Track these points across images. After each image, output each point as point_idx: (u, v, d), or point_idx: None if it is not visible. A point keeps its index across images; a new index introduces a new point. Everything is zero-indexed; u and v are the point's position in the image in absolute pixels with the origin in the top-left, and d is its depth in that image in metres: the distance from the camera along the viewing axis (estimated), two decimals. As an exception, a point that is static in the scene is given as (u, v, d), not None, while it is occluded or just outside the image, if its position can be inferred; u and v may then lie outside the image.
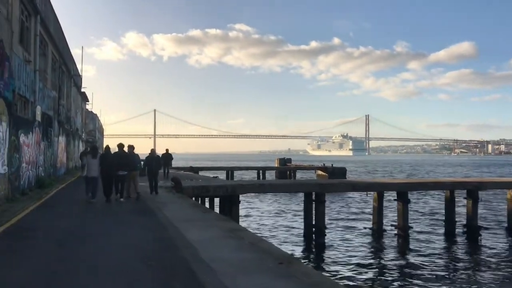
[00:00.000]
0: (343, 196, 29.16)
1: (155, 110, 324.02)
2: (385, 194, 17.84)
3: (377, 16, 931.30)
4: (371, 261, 13.29)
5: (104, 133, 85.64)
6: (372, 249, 14.95)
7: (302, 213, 21.34)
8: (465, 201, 17.80)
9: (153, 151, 14.49)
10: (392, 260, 13.37)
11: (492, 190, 23.43)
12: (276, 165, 54.64)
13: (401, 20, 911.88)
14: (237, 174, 50.61)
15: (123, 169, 12.58)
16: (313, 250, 15.05)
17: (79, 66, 36.84)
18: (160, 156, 18.25)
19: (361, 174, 66.50)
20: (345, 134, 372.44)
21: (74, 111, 34.43)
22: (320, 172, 46.54)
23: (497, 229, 18.45)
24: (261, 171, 48.85)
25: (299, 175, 52.00)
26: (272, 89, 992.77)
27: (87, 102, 50.56)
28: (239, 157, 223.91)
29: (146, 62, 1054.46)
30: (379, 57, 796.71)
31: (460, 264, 12.99)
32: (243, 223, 16.87)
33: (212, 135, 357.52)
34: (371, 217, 20.03)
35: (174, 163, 26.81)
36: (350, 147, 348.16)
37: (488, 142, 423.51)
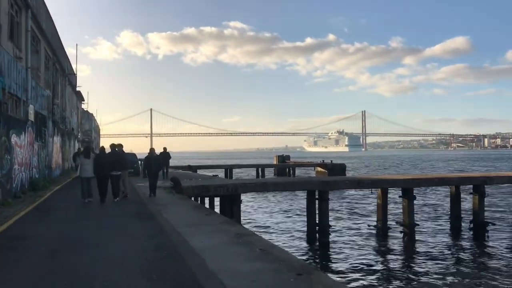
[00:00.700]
0: (343, 193, 28.66)
1: (151, 109, 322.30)
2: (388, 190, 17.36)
3: (372, 12, 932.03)
4: (377, 260, 12.90)
5: (101, 133, 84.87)
6: (378, 248, 14.53)
7: (302, 211, 21.01)
8: (468, 196, 17.40)
9: (152, 150, 13.91)
10: (398, 260, 12.97)
11: (497, 184, 22.94)
12: (275, 162, 54.17)
13: (396, 15, 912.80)
14: (235, 172, 50.08)
15: (117, 170, 12.60)
16: (317, 249, 14.58)
17: (73, 65, 36.13)
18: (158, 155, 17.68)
19: (360, 169, 66.08)
20: (341, 131, 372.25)
21: (69, 110, 33.72)
22: (319, 168, 46.13)
23: (505, 225, 18.02)
24: (260, 169, 48.34)
25: (298, 171, 51.60)
26: (268, 87, 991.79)
27: (82, 102, 49.78)
28: (237, 155, 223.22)
29: (141, 61, 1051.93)
30: (374, 53, 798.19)
31: (468, 263, 12.55)
32: (243, 222, 16.36)
33: (209, 133, 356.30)
34: (373, 214, 19.65)
35: (172, 162, 26.21)
36: (346, 143, 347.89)
37: (484, 136, 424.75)
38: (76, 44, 40.17)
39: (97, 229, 8.26)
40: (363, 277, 11.04)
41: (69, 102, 33.69)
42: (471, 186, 17.61)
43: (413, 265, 12.25)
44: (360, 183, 17.35)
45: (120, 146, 13.51)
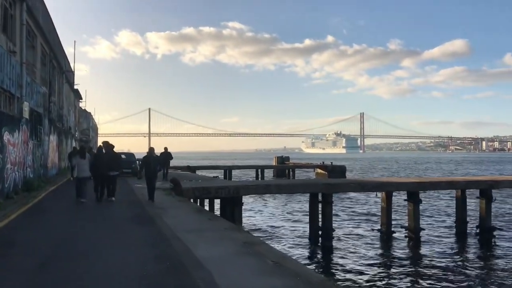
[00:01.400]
0: (344, 196, 28.13)
1: (149, 109, 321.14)
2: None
3: (370, 14, 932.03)
4: (382, 266, 12.46)
5: (98, 132, 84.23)
6: (382, 253, 14.08)
7: (302, 214, 20.49)
8: (473, 200, 16.94)
9: (152, 150, 13.27)
10: (404, 265, 12.50)
11: (503, 189, 22.48)
12: (274, 164, 53.66)
13: (394, 17, 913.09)
14: (235, 173, 49.51)
15: (114, 170, 12.47)
16: (320, 254, 14.08)
17: (72, 63, 35.51)
18: (159, 155, 17.12)
19: (357, 171, 65.62)
20: (338, 132, 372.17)
21: (66, 108, 33.10)
22: (319, 170, 45.64)
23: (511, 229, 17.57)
24: (259, 170, 47.80)
25: (297, 173, 51.09)
26: (267, 88, 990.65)
27: (80, 100, 49.16)
28: (236, 156, 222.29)
29: (140, 60, 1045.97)
30: (373, 55, 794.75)
31: (474, 269, 12.10)
32: (244, 225, 15.84)
33: (207, 134, 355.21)
34: (377, 218, 19.16)
35: (171, 162, 25.64)
36: (344, 145, 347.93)
37: (482, 139, 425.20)
38: (74, 41, 39.66)
39: (93, 235, 7.68)
40: (367, 283, 10.67)
41: (66, 100, 33.08)
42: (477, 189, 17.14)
43: (419, 269, 11.92)
44: (364, 187, 16.85)
45: (112, 146, 13.19)
